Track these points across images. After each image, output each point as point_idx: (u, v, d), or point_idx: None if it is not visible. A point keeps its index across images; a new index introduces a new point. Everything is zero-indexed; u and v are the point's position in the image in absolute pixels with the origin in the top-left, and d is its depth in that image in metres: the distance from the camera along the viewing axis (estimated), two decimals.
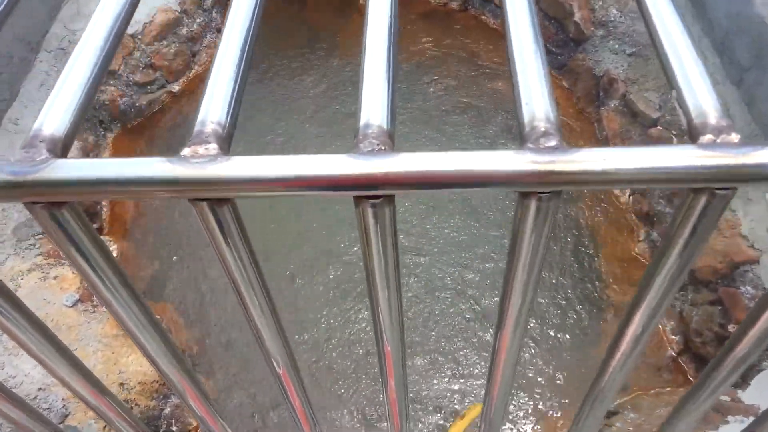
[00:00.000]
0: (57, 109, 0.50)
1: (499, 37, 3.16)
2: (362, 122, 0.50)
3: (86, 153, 2.41)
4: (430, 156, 0.47)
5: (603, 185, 0.47)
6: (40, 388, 1.72)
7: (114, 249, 2.33)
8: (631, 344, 0.67)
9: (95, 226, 2.29)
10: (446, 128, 2.83)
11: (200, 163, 0.46)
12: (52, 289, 1.93)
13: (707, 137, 0.47)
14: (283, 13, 3.27)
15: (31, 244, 2.03)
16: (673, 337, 2.11)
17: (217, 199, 0.48)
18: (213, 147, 0.48)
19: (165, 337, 0.73)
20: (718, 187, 0.47)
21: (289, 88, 2.96)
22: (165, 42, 2.80)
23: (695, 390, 0.80)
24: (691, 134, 0.49)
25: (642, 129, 2.47)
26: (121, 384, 1.82)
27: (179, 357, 0.79)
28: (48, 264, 2.00)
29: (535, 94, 0.50)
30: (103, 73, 0.52)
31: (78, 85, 0.51)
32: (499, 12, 3.07)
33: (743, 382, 1.81)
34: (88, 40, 0.53)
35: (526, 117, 0.49)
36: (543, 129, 0.48)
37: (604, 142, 2.67)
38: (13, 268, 1.95)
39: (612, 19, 2.72)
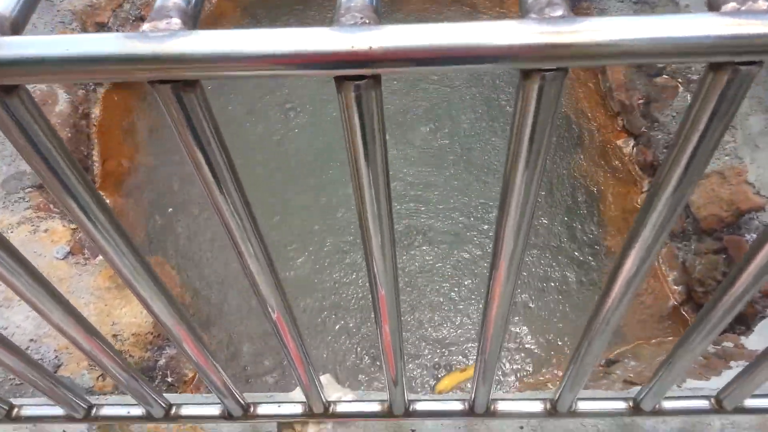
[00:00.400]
0: None
1: None
2: None
3: (75, 107, 2.34)
4: (420, 28, 0.42)
5: (615, 59, 0.42)
6: (31, 339, 1.69)
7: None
8: (638, 259, 0.63)
9: None
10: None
11: (160, 37, 0.41)
12: (42, 242, 1.89)
13: (730, 5, 0.42)
14: None
15: (20, 197, 1.98)
16: (676, 287, 2.08)
17: (181, 81, 0.43)
18: (176, 22, 0.43)
19: (159, 282, 0.69)
20: (741, 61, 0.42)
21: None
22: None
23: (695, 327, 0.77)
24: (711, 4, 0.44)
25: (647, 78, 2.40)
26: (115, 335, 1.79)
27: (175, 303, 0.76)
28: (38, 217, 1.96)
29: None
30: None
31: None
32: None
33: (747, 329, 1.78)
34: None
35: None
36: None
37: (608, 93, 2.59)
38: (2, 222, 1.91)
39: None
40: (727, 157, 2.01)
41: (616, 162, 2.43)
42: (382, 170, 0.49)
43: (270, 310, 0.73)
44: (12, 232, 1.90)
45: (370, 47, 0.41)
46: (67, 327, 0.75)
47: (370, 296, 0.69)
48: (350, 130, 0.45)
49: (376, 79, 0.44)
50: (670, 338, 1.92)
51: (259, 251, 0.61)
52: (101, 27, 2.56)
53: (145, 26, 0.43)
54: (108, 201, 2.27)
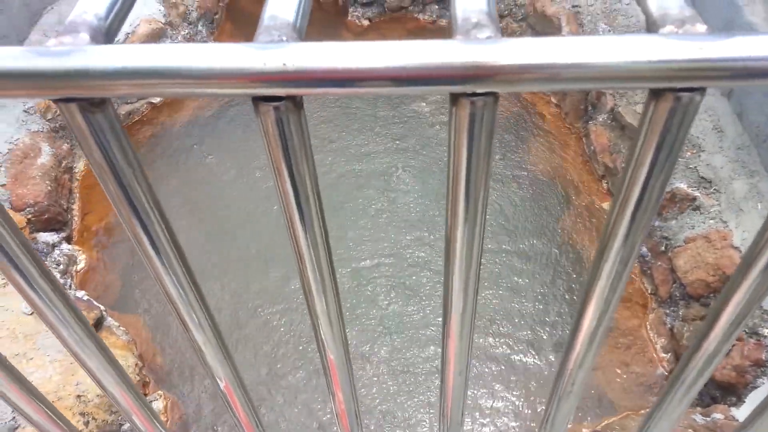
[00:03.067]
0: None
1: None
2: (267, 14, 0.42)
3: (59, 160, 2.34)
4: (338, 46, 0.40)
5: (545, 83, 0.40)
6: None
7: (83, 259, 2.24)
8: (598, 312, 0.59)
9: (63, 235, 2.20)
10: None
11: (64, 52, 0.39)
12: (10, 296, 1.83)
13: (668, 27, 0.40)
14: None
15: None
16: (664, 354, 2.01)
17: (88, 99, 0.40)
18: (83, 37, 0.41)
19: (107, 353, 0.65)
20: (682, 87, 0.40)
21: None
22: None
23: (670, 386, 0.72)
24: (649, 29, 0.42)
25: (631, 141, 2.41)
26: (78, 396, 1.71)
27: (124, 375, 0.70)
28: None
29: None
30: None
31: None
32: None
33: (738, 399, 1.71)
34: None
35: (458, 8, 0.42)
36: (475, 20, 0.41)
37: (592, 156, 2.60)
38: None
39: (600, 33, 2.68)
40: (711, 221, 1.99)
41: (601, 224, 2.41)
42: (313, 197, 0.46)
43: (218, 379, 0.68)
44: None
45: (284, 65, 0.39)
46: (10, 395, 0.69)
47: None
48: (272, 154, 0.42)
49: (295, 101, 0.41)
50: None
51: (203, 318, 0.57)
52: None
53: (51, 42, 0.41)
54: (83, 256, 2.23)
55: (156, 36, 2.78)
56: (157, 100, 2.83)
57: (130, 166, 0.44)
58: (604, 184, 2.53)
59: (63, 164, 2.36)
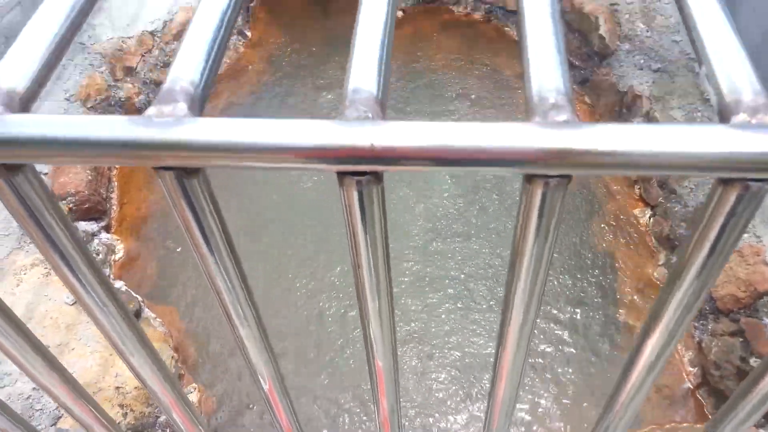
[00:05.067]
0: (22, 58, 0.45)
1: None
2: (350, 87, 0.45)
3: None
4: (423, 126, 0.42)
5: (620, 169, 0.41)
6: (34, 388, 1.68)
7: (121, 249, 2.30)
8: (647, 364, 0.60)
9: (102, 224, 2.26)
10: None
11: (165, 123, 0.42)
12: (53, 286, 1.90)
13: (740, 116, 0.41)
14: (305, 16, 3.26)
15: None
16: (691, 368, 2.01)
17: (184, 168, 0.43)
18: (181, 107, 0.43)
19: (149, 347, 0.68)
20: (752, 177, 0.41)
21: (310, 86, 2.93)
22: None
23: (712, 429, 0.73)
24: (721, 115, 0.43)
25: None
26: (117, 388, 1.77)
27: (165, 370, 0.74)
28: None
29: (545, 63, 0.44)
30: (80, 24, 0.48)
31: (48, 35, 0.47)
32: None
33: (767, 422, 1.71)
34: None
35: (534, 87, 0.43)
36: (552, 101, 0.43)
37: None
38: (16, 263, 1.92)
39: (638, 33, 2.65)
40: (745, 235, 1.98)
41: (633, 232, 2.40)
42: (383, 263, 0.48)
43: (261, 380, 0.71)
44: (25, 273, 1.91)
45: (372, 144, 0.41)
46: (54, 388, 0.74)
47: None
48: (351, 223, 0.45)
49: (378, 176, 0.43)
50: (685, 424, 1.85)
51: (257, 333, 0.60)
52: (130, 71, 2.63)
53: (151, 110, 0.43)
54: (122, 246, 2.29)
55: (189, 23, 2.81)
56: None
57: (218, 229, 0.47)
58: (636, 190, 2.52)
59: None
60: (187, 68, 0.45)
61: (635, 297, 2.21)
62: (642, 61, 2.54)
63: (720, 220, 0.43)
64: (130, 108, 2.62)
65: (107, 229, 2.28)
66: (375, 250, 0.46)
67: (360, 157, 0.41)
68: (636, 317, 2.16)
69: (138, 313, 1.98)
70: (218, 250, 0.49)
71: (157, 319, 2.06)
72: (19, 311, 1.81)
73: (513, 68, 3.07)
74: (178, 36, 2.74)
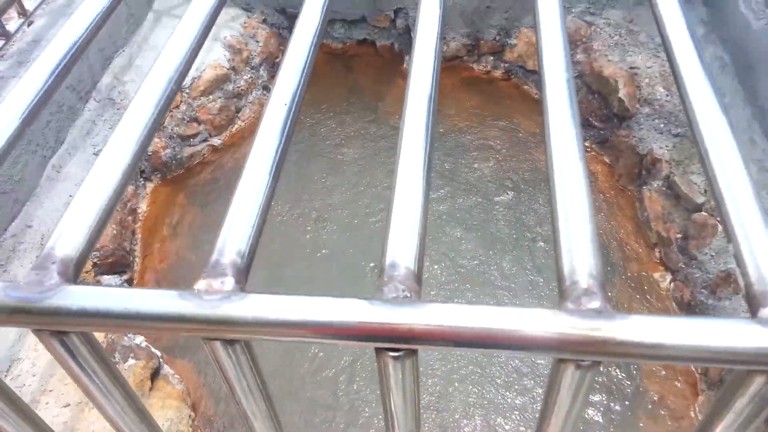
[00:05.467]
0: (73, 228, 0.48)
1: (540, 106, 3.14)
2: (388, 261, 0.47)
3: (124, 203, 2.44)
4: (458, 309, 0.43)
5: (650, 360, 0.43)
6: None
7: None
8: None
9: (126, 277, 2.30)
10: (486, 205, 2.80)
11: (214, 300, 0.44)
12: None
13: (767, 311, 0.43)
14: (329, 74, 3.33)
15: None
16: None
17: (230, 340, 0.45)
18: (229, 281, 0.45)
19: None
20: None
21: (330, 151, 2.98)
22: (211, 97, 2.86)
23: None
24: (749, 303, 0.45)
25: (686, 213, 2.39)
26: None
27: None
28: None
29: (577, 243, 0.46)
30: (122, 191, 0.51)
31: (97, 203, 0.50)
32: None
33: None
34: (110, 156, 0.52)
35: (566, 268, 0.45)
36: (585, 286, 0.44)
37: (645, 223, 2.59)
38: None
39: (658, 97, 2.68)
40: None
41: (653, 296, 2.39)
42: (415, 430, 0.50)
43: None
44: None
45: (411, 326, 0.43)
46: None
47: None
48: (387, 395, 0.47)
49: (414, 350, 0.45)
50: None
51: None
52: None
53: (200, 284, 0.46)
54: None
55: (221, 80, 2.89)
56: (218, 142, 2.93)
57: (261, 393, 0.49)
58: (657, 253, 2.51)
59: (128, 206, 2.46)
60: (233, 240, 0.47)
61: (653, 367, 2.19)
62: (662, 125, 2.56)
63: (744, 409, 0.44)
64: (157, 161, 2.68)
65: (130, 282, 2.31)
66: (407, 419, 0.48)
67: (398, 337, 0.43)
68: (657, 388, 2.13)
69: (157, 371, 2.00)
70: (260, 412, 0.50)
71: (176, 377, 2.07)
72: None
73: (531, 124, 3.10)
74: (206, 92, 2.82)
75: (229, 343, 0.46)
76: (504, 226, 2.70)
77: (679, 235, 2.41)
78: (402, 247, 0.47)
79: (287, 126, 0.55)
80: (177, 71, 0.64)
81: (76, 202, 0.49)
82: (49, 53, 0.66)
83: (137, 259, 2.43)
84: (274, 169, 0.52)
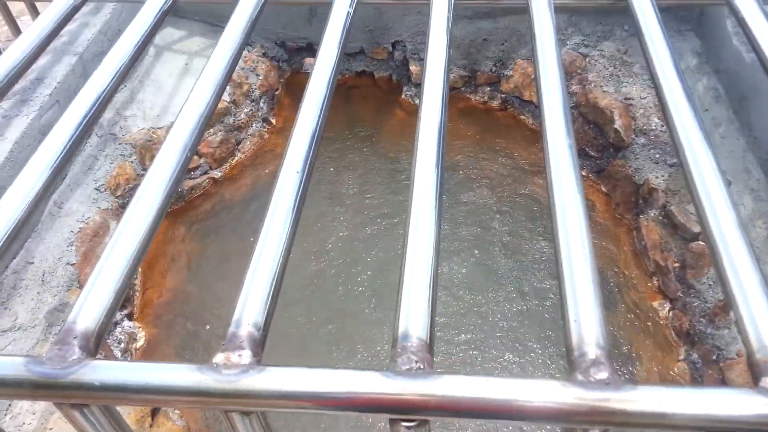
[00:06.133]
0: (92, 303, 0.49)
1: (536, 135, 3.18)
2: (400, 331, 0.48)
3: None
4: (469, 381, 0.45)
5: (657, 428, 0.44)
6: None
7: (142, 336, 2.33)
8: None
9: (126, 312, 2.30)
10: (483, 228, 2.82)
11: (232, 375, 0.45)
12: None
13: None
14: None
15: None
16: None
17: (247, 411, 0.46)
18: (247, 354, 0.47)
19: None
20: None
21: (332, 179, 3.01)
22: (212, 130, 2.89)
23: None
24: (751, 370, 0.46)
25: (683, 242, 2.41)
26: None
27: None
28: None
29: (584, 312, 0.48)
30: (138, 263, 0.52)
31: (115, 273, 0.51)
32: (537, 113, 3.10)
33: None
34: (126, 229, 0.54)
35: (575, 338, 0.47)
36: (593, 357, 0.46)
37: (642, 252, 2.61)
38: None
39: (653, 128, 2.72)
40: None
41: (651, 325, 2.40)
42: None
43: None
44: None
45: (424, 398, 0.44)
46: None
47: None
48: None
49: (427, 420, 0.46)
50: None
51: None
52: None
53: (219, 358, 0.47)
54: (143, 333, 2.31)
55: (221, 114, 2.92)
56: (218, 175, 2.94)
57: None
58: (655, 282, 2.52)
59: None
60: (249, 312, 0.48)
61: None
62: (657, 155, 2.60)
63: None
64: None
65: (130, 316, 2.31)
66: None
67: (412, 408, 0.45)
68: None
69: (157, 407, 1.99)
70: None
71: (176, 412, 2.06)
72: None
73: (527, 153, 3.14)
74: (207, 126, 2.85)
75: (246, 414, 0.47)
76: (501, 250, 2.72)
77: (676, 264, 2.42)
78: (414, 317, 0.48)
79: (299, 193, 0.56)
80: (204, 111, 0.65)
81: (95, 274, 0.50)
82: (79, 102, 0.67)
83: (137, 294, 2.43)
84: (287, 239, 0.54)
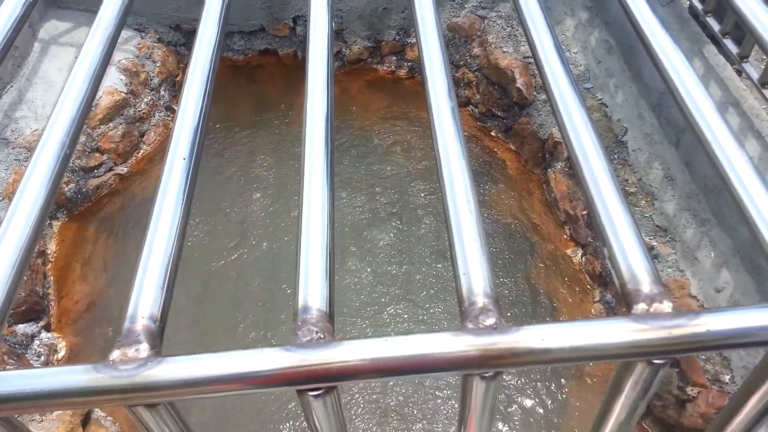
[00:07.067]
0: None
1: None
2: (300, 305, 0.49)
3: None
4: (369, 344, 0.46)
5: (545, 364, 0.48)
6: None
7: (63, 347, 2.23)
8: None
9: (42, 323, 2.20)
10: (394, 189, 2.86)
11: (130, 369, 0.45)
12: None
13: (640, 307, 0.48)
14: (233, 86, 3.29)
15: None
16: None
17: (151, 404, 0.46)
18: (144, 348, 0.46)
19: None
20: (655, 359, 0.48)
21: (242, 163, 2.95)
22: (111, 124, 2.77)
23: None
24: (624, 300, 0.50)
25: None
26: None
27: None
28: None
29: (472, 265, 0.50)
30: (36, 240, 0.50)
31: (9, 258, 0.49)
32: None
33: None
34: (20, 206, 0.51)
35: (465, 290, 0.49)
36: (481, 305, 0.48)
37: (553, 203, 2.73)
38: None
39: None
40: (669, 269, 2.12)
41: (567, 271, 2.53)
42: None
43: None
44: None
45: (327, 366, 0.45)
46: None
47: None
48: (313, 429, 0.49)
49: (333, 387, 0.48)
50: None
51: None
52: None
53: (114, 354, 0.46)
54: (63, 343, 2.22)
55: (120, 106, 2.80)
56: (124, 170, 2.83)
57: None
58: (567, 231, 2.65)
59: (36, 248, 2.35)
60: (144, 305, 0.48)
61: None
62: None
63: (623, 396, 0.50)
64: (60, 198, 2.57)
65: (47, 328, 2.21)
66: None
67: (316, 377, 0.46)
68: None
69: (88, 415, 1.93)
70: None
71: (108, 418, 2.01)
72: None
73: None
74: (105, 120, 2.72)
75: (152, 407, 0.47)
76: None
77: (584, 212, 2.55)
78: (313, 290, 0.49)
79: (188, 180, 0.56)
80: (80, 105, 0.62)
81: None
82: None
83: (52, 303, 2.32)
84: (179, 226, 0.53)
